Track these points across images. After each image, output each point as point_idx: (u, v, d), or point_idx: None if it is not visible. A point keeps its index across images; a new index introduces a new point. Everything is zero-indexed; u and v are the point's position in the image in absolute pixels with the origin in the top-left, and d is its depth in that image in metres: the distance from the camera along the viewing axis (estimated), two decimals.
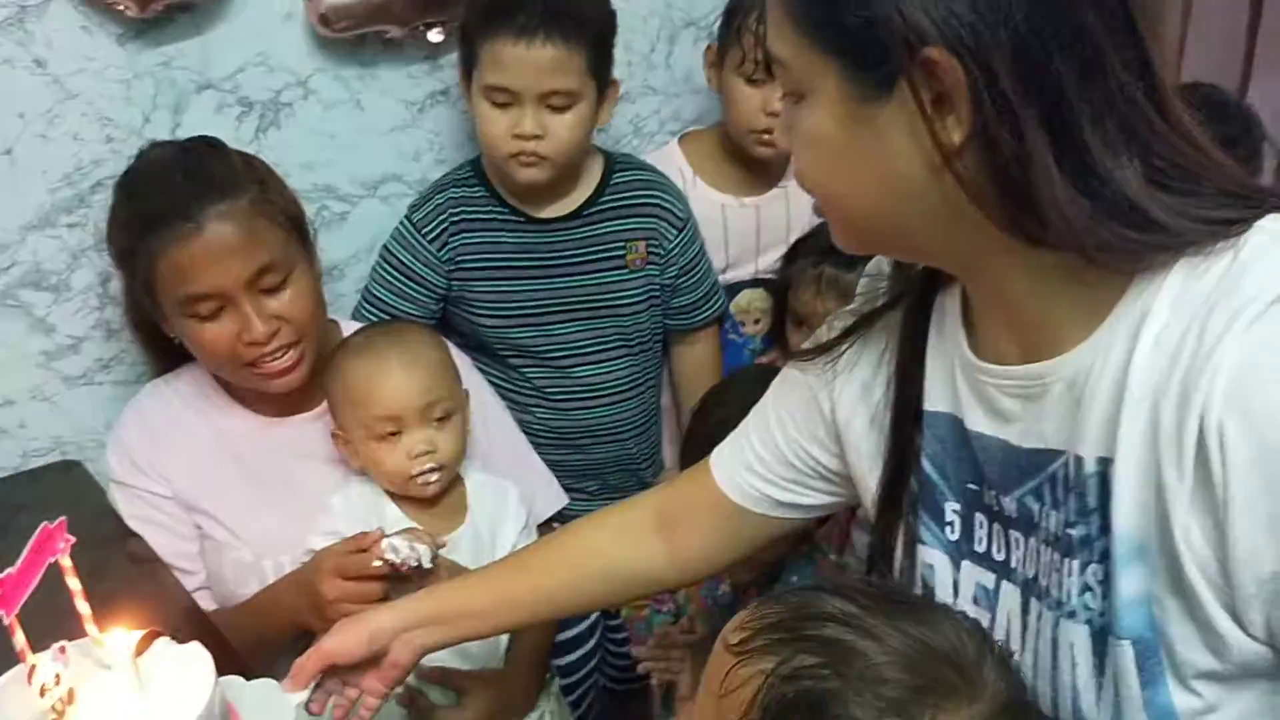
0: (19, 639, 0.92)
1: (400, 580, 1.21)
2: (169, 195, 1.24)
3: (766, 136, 1.63)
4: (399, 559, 1.19)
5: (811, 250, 1.55)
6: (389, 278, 1.60)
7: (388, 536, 1.20)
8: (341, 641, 1.05)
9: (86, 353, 1.50)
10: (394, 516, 1.32)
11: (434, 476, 1.30)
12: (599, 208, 1.63)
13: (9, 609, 0.90)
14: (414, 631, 1.06)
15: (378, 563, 1.19)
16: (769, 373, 1.09)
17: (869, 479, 0.91)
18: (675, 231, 1.66)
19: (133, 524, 1.36)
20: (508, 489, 1.40)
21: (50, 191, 1.41)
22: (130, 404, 1.40)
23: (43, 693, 0.92)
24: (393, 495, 1.33)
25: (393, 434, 1.29)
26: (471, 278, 1.61)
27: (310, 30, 1.51)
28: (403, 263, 1.60)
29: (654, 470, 1.77)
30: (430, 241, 1.59)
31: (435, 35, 1.58)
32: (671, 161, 1.76)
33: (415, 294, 1.60)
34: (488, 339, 1.63)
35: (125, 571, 1.36)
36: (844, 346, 0.92)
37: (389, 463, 1.30)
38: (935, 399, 0.85)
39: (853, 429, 0.92)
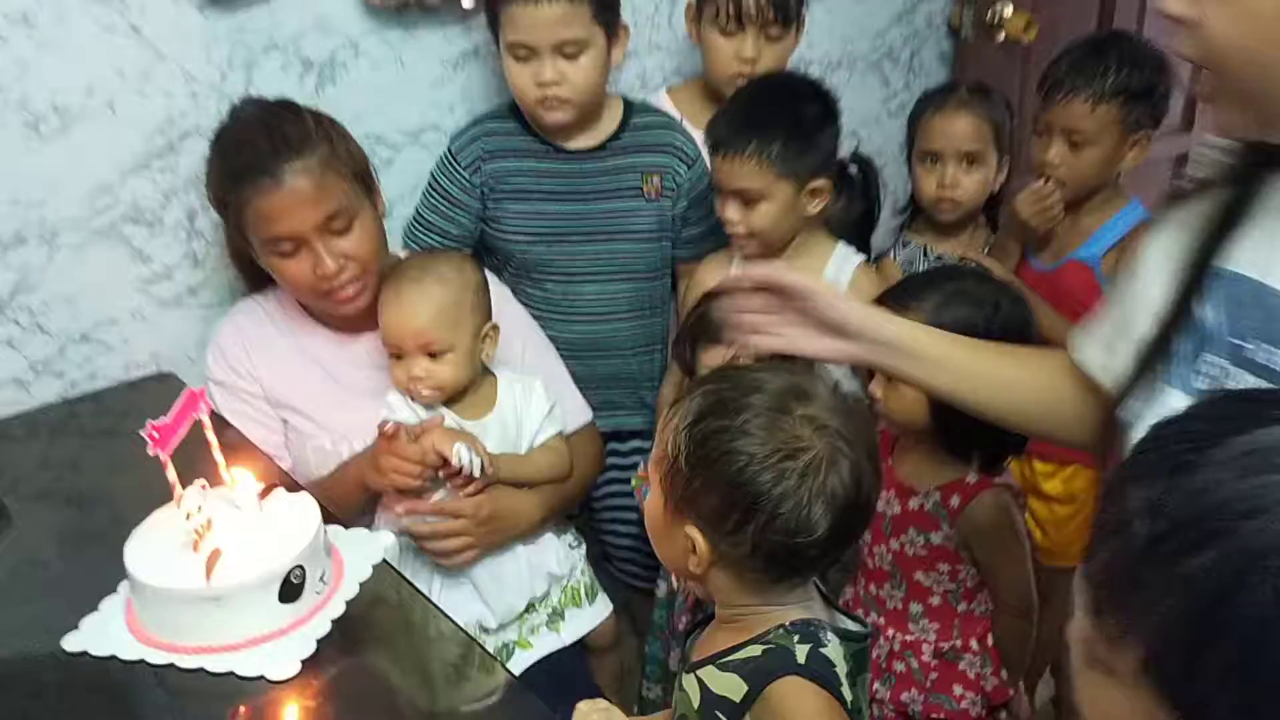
0: (171, 473, 1.19)
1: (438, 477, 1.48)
2: (254, 153, 1.48)
3: (740, 81, 1.85)
4: (463, 462, 1.45)
5: None
6: (433, 201, 1.85)
7: (456, 441, 1.45)
8: None
9: (177, 279, 1.74)
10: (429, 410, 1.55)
11: (429, 395, 1.53)
12: (621, 143, 1.86)
13: (165, 448, 1.16)
14: None
15: (464, 461, 1.46)
16: None
17: (1138, 318, 1.03)
18: (686, 168, 1.88)
19: (229, 417, 1.60)
20: (534, 383, 1.63)
21: (145, 140, 1.65)
22: (227, 317, 1.66)
23: (188, 518, 1.18)
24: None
25: (398, 356, 1.53)
26: (503, 199, 1.84)
27: None
28: (443, 188, 1.83)
29: (653, 388, 1.98)
30: (465, 168, 1.82)
31: (467, 1, 1.81)
32: (661, 109, 1.98)
33: (454, 215, 1.84)
34: (513, 256, 1.86)
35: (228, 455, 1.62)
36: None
37: (396, 377, 1.54)
38: (1243, 263, 0.94)
39: (1145, 269, 1.05)
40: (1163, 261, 1.03)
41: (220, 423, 1.61)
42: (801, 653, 1.00)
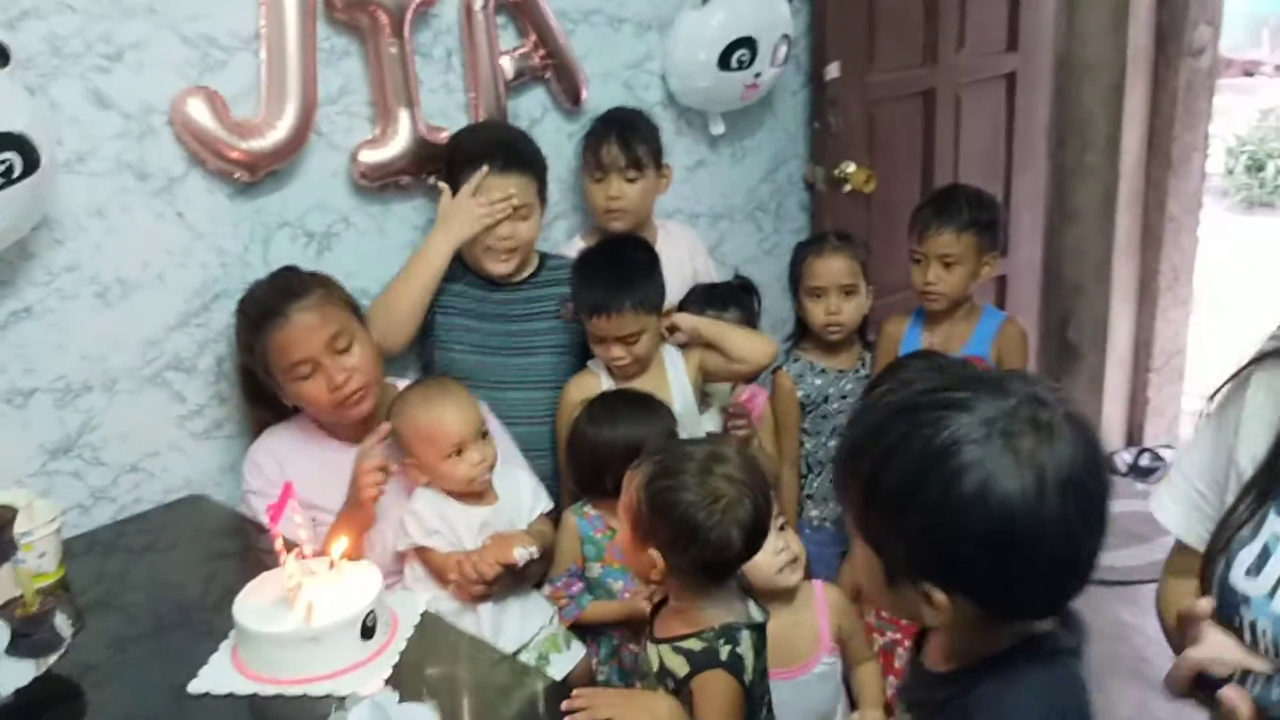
0: (279, 543, 1.55)
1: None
2: (266, 304, 1.91)
3: (613, 215, 2.39)
4: (522, 560, 1.86)
5: (700, 298, 2.34)
6: None
7: (515, 549, 1.86)
8: None
9: (207, 415, 2.10)
10: (457, 508, 1.93)
11: (489, 477, 1.94)
12: (540, 279, 2.31)
13: (274, 525, 1.53)
14: None
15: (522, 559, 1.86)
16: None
17: (1244, 462, 1.19)
18: None
19: (265, 520, 1.95)
20: (518, 473, 2.04)
21: (185, 302, 2.03)
22: (258, 441, 2.02)
23: (289, 579, 1.54)
24: (448, 493, 1.95)
25: (459, 453, 1.91)
26: (447, 317, 2.23)
27: (350, 182, 2.19)
28: None
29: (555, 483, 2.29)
30: None
31: (431, 180, 2.27)
32: (577, 250, 2.43)
33: None
34: (453, 364, 2.23)
35: (264, 555, 1.96)
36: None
37: (459, 473, 1.90)
38: None
39: (1251, 422, 1.19)
40: (1260, 422, 1.18)
41: (262, 527, 1.98)
42: (724, 651, 1.50)
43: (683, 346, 2.26)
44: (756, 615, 1.58)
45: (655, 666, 1.54)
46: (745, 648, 1.51)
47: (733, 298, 2.47)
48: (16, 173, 1.65)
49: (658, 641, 1.56)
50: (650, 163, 2.41)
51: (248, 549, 2.02)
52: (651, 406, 2.04)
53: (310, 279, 1.97)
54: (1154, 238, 3.87)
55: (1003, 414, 0.98)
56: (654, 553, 1.50)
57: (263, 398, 2.02)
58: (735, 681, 1.50)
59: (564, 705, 1.47)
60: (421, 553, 1.92)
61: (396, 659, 1.56)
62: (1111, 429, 3.99)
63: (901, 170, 3.08)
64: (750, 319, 2.47)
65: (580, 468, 2.07)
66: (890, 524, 1.02)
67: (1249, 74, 8.75)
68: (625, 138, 2.38)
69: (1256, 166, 7.15)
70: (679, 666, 1.51)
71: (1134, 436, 4.06)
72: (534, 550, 1.89)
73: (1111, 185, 3.70)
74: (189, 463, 2.10)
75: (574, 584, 2.06)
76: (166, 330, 2.02)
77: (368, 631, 1.55)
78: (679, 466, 1.51)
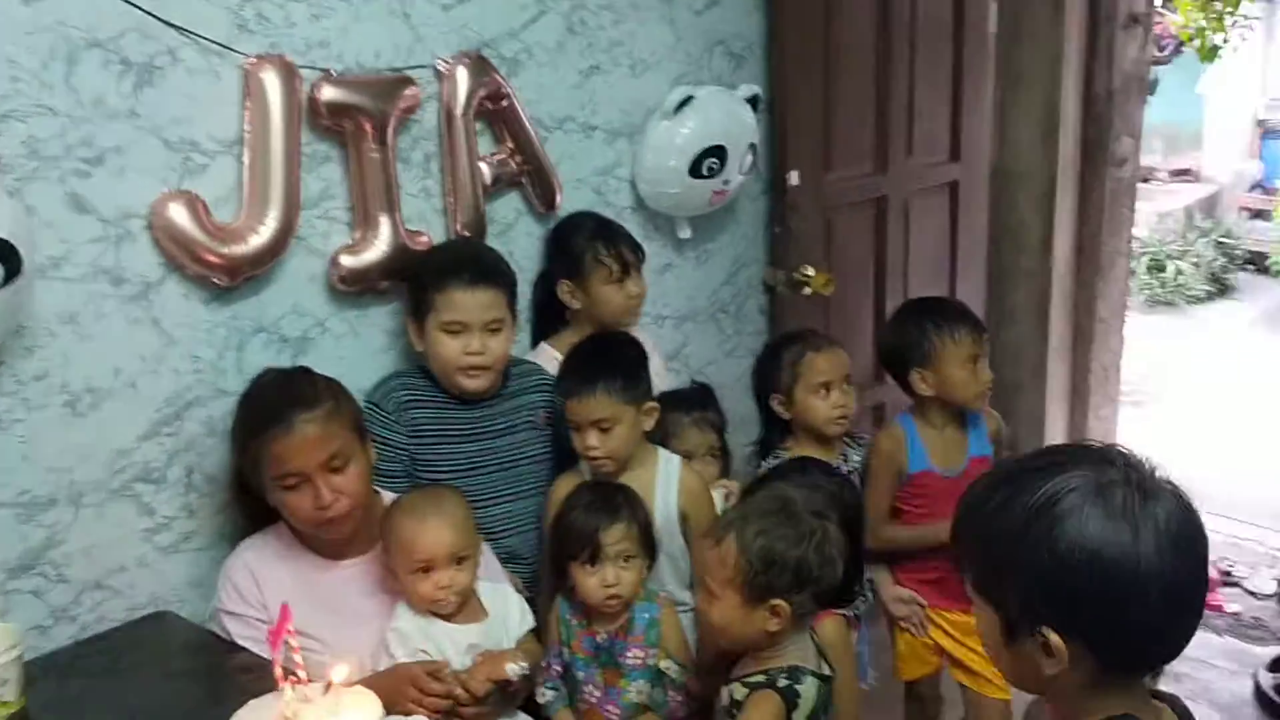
0: (278, 670, 1.48)
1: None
2: (273, 409, 1.84)
3: (634, 313, 2.44)
4: (516, 677, 1.81)
5: (672, 404, 2.33)
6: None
7: (507, 664, 1.81)
8: None
9: (175, 528, 2.01)
10: (443, 627, 1.87)
11: (453, 602, 1.87)
12: (509, 389, 2.27)
13: (275, 651, 1.46)
14: None
15: (515, 674, 1.81)
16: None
17: None
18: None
19: (242, 642, 1.87)
20: (506, 590, 1.99)
21: (157, 410, 1.95)
22: (233, 556, 1.93)
23: (288, 706, 1.47)
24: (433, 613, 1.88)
25: (424, 569, 1.85)
26: (424, 442, 2.18)
27: (326, 286, 2.14)
28: (375, 434, 2.10)
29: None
30: (390, 412, 2.16)
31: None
32: (547, 356, 2.43)
33: (393, 456, 2.13)
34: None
35: (235, 675, 1.87)
36: None
37: (421, 590, 1.85)
38: None
39: None
40: None
41: (234, 646, 1.89)
42: (782, 681, 1.64)
43: None
44: (825, 670, 1.70)
45: (726, 702, 1.68)
46: (806, 689, 1.64)
47: (704, 401, 2.48)
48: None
49: (730, 681, 1.70)
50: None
51: (214, 668, 1.92)
52: (610, 503, 2.00)
53: (324, 388, 1.90)
54: (1085, 338, 4.00)
55: (1101, 473, 1.09)
56: (778, 602, 1.64)
57: (248, 502, 1.95)
58: (782, 708, 1.61)
59: None
60: None
61: None
62: None
63: (855, 274, 3.14)
64: (722, 421, 2.47)
65: (559, 555, 2.03)
66: (1003, 576, 1.14)
67: (1145, 180, 9.21)
68: (625, 236, 2.43)
69: (1157, 268, 7.48)
70: (741, 695, 1.66)
71: None
72: (525, 665, 1.83)
73: (1045, 288, 3.82)
74: (155, 578, 2.00)
75: (553, 668, 2.03)
76: (136, 440, 1.94)
77: None
78: (768, 520, 1.67)
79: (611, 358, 2.18)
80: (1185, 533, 1.08)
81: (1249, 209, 8.29)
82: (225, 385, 2.01)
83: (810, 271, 2.95)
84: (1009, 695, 2.47)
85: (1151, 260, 7.44)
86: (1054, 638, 1.10)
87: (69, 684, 1.83)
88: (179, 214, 1.89)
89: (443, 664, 1.81)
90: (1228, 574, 4.00)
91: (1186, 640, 1.12)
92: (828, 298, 3.00)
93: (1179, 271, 7.47)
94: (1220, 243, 7.74)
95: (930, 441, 2.44)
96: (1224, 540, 4.31)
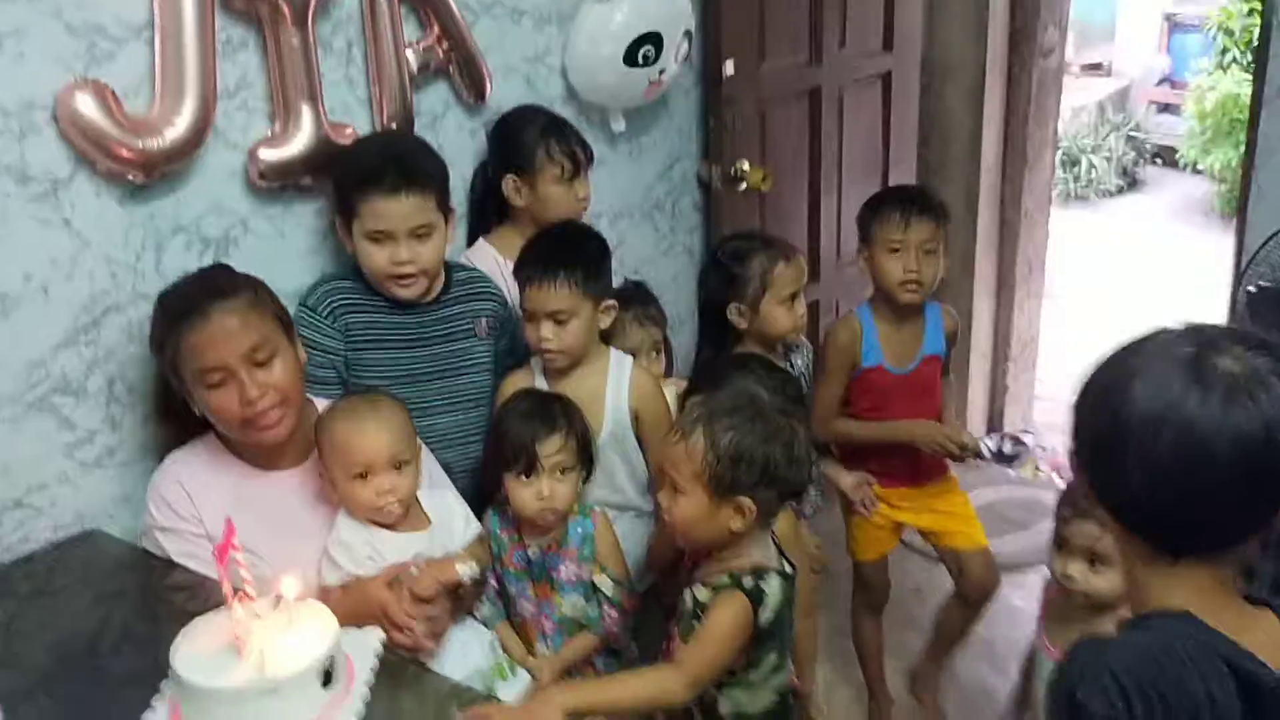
0: (226, 588, 1.40)
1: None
2: (189, 300, 1.74)
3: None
4: (467, 578, 1.73)
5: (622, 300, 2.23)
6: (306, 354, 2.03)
7: (457, 564, 1.73)
8: None
9: (98, 442, 1.90)
10: (388, 536, 1.80)
11: (395, 510, 1.80)
12: (450, 295, 2.18)
13: (222, 567, 1.39)
14: None
15: (466, 576, 1.73)
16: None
17: None
18: (503, 309, 2.24)
19: (178, 559, 1.79)
20: (448, 496, 1.93)
21: (73, 318, 1.83)
22: (160, 471, 1.84)
23: (238, 625, 1.40)
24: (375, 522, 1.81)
25: (362, 475, 1.78)
26: (360, 348, 2.09)
27: (247, 182, 2.02)
28: (308, 339, 2.02)
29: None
30: (324, 317, 2.06)
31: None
32: (486, 254, 2.35)
33: (326, 362, 2.05)
34: None
35: (169, 593, 1.80)
36: None
37: (361, 497, 1.78)
38: None
39: None
40: None
41: (168, 564, 1.81)
42: (748, 581, 1.61)
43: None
44: (787, 568, 1.67)
45: (689, 606, 1.65)
46: (772, 587, 1.61)
47: (644, 297, 2.42)
48: None
49: (691, 583, 1.67)
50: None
51: (149, 587, 1.85)
52: (548, 412, 1.93)
53: (242, 280, 1.80)
54: (1011, 231, 4.02)
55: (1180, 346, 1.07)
56: (744, 500, 1.60)
57: (172, 414, 1.84)
58: (749, 607, 1.59)
59: None
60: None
61: (361, 707, 1.44)
62: (975, 417, 4.13)
63: (789, 169, 3.08)
64: (663, 317, 2.43)
65: (491, 458, 1.99)
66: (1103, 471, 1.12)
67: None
68: (575, 135, 2.33)
69: (1071, 162, 7.55)
70: (705, 597, 1.63)
71: (994, 423, 4.21)
72: (475, 567, 1.77)
73: (973, 182, 3.82)
74: (80, 495, 1.90)
75: (489, 580, 1.98)
76: (52, 349, 1.82)
77: (328, 678, 1.43)
78: (738, 417, 1.61)
79: (575, 248, 2.10)
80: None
81: (1157, 103, 8.38)
82: (145, 289, 1.89)
83: (746, 166, 2.88)
84: (986, 542, 2.57)
85: (1064, 155, 7.50)
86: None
87: None
88: (87, 105, 1.75)
89: (400, 568, 1.74)
90: None
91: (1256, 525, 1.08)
92: (763, 194, 2.94)
93: (1091, 166, 7.55)
94: (1131, 137, 7.83)
95: (886, 337, 2.42)
96: None
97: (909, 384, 2.43)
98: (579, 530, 1.96)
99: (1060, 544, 1.83)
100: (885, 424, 2.43)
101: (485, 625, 1.96)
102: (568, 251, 2.08)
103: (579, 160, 2.33)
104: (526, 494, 1.89)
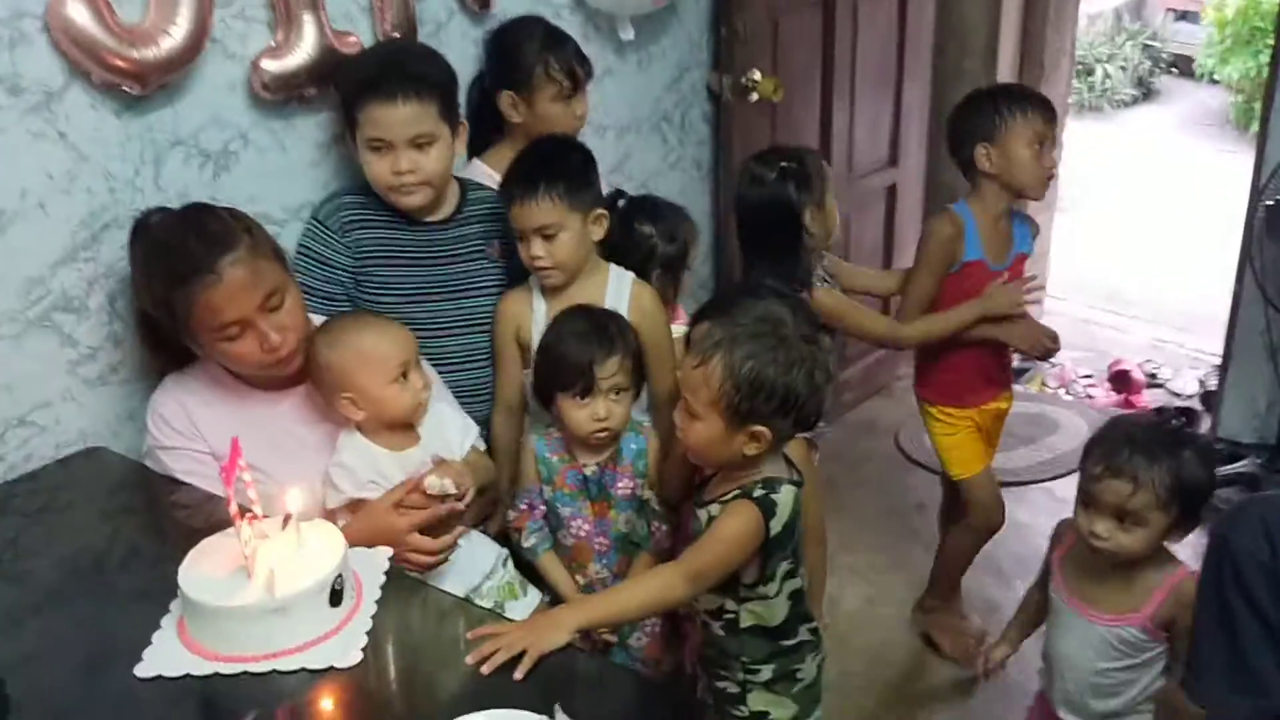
0: (233, 508, 1.40)
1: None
2: (189, 256, 1.66)
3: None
4: (437, 490, 1.70)
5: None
6: (308, 267, 2.01)
7: (427, 478, 1.70)
8: None
9: (100, 360, 1.88)
10: (387, 455, 1.78)
11: (424, 404, 1.79)
12: (464, 215, 2.14)
13: (229, 487, 1.38)
14: None
15: (435, 489, 1.70)
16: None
17: None
18: None
19: (183, 477, 1.77)
20: (441, 409, 1.88)
21: (71, 234, 1.80)
22: (160, 390, 1.81)
23: (246, 545, 1.40)
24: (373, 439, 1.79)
25: (403, 377, 1.74)
26: (369, 265, 2.06)
27: (248, 94, 1.96)
28: (316, 253, 2.01)
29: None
30: (334, 232, 2.03)
31: None
32: (481, 173, 2.27)
33: (333, 277, 2.02)
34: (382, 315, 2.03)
35: (174, 511, 1.80)
36: None
37: (404, 400, 1.75)
38: None
39: None
40: None
41: (172, 481, 1.80)
42: (758, 491, 1.58)
43: None
44: (796, 477, 1.65)
45: (703, 526, 1.62)
46: (783, 497, 1.59)
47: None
48: None
49: (706, 504, 1.64)
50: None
51: (154, 503, 1.85)
52: (603, 333, 1.90)
53: (232, 221, 1.72)
54: None
55: None
56: (760, 428, 1.55)
57: (163, 345, 1.82)
58: (759, 516, 1.56)
59: (470, 659, 1.39)
60: (356, 507, 1.76)
61: (370, 625, 1.44)
62: None
63: (801, 80, 3.01)
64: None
65: (544, 380, 1.96)
66: None
67: None
68: (575, 50, 2.24)
69: (1086, 71, 7.41)
70: (717, 513, 1.60)
71: None
72: (447, 481, 1.72)
73: None
74: (83, 413, 1.88)
75: (536, 509, 1.98)
76: (51, 266, 1.79)
77: (336, 597, 1.43)
78: (758, 344, 1.54)
79: (555, 161, 2.04)
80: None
81: (1174, 9, 8.19)
82: (144, 204, 1.84)
83: (758, 76, 2.81)
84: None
85: (1079, 63, 7.36)
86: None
87: (4, 523, 1.74)
88: (79, 12, 1.69)
89: (405, 489, 1.73)
90: (1153, 376, 4.10)
91: None
92: (774, 105, 2.88)
93: (1106, 75, 7.41)
94: (1147, 45, 7.67)
95: (985, 231, 2.38)
96: (1148, 343, 4.41)
97: (1005, 281, 2.41)
98: (633, 446, 1.97)
99: (1087, 501, 1.80)
100: (954, 309, 2.40)
101: (530, 554, 1.97)
102: (548, 166, 2.02)
103: (578, 77, 2.25)
104: (583, 415, 1.89)
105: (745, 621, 1.67)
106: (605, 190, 2.20)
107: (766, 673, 1.70)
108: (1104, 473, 1.75)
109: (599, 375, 1.86)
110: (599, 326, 1.91)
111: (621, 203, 2.29)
